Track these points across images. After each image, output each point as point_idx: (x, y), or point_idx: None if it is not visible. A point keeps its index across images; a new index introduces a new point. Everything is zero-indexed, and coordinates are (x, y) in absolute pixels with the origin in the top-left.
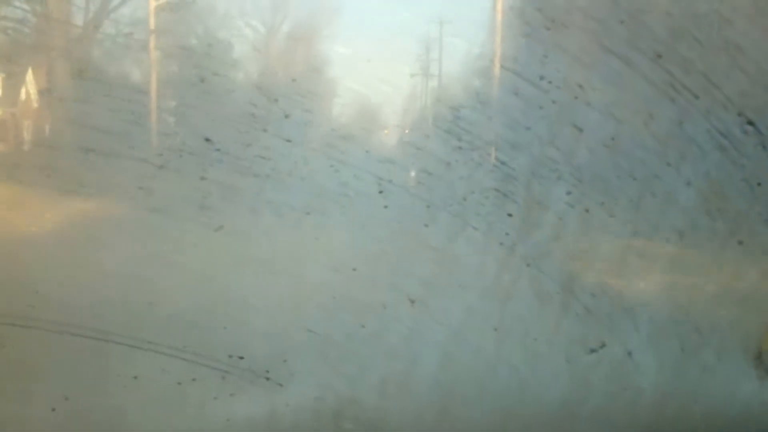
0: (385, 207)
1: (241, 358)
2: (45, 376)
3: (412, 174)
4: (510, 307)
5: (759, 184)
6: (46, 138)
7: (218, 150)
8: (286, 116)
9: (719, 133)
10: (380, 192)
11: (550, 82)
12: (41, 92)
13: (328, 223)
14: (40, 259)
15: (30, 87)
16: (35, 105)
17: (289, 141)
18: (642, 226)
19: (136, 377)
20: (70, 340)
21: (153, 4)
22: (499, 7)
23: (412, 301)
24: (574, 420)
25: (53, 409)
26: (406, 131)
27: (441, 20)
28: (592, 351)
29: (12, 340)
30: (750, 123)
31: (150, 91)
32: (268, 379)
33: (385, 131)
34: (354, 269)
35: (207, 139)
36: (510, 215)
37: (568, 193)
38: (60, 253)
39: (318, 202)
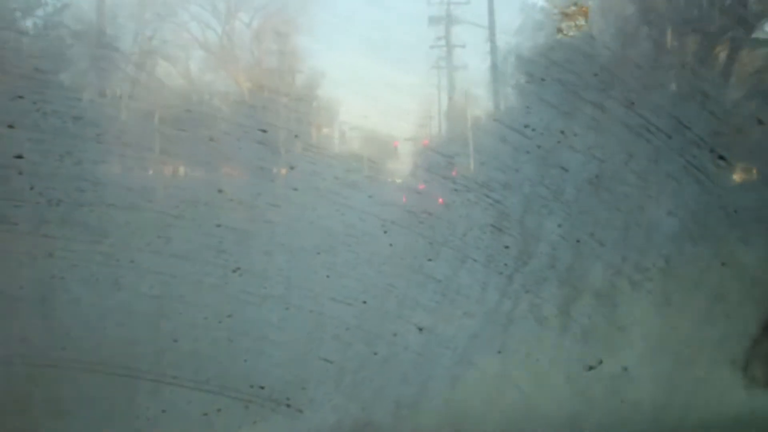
0: (390, 245)
1: (262, 388)
2: (78, 412)
3: (414, 215)
4: (512, 331)
5: (735, 211)
6: (69, 195)
7: (231, 200)
8: (292, 168)
9: (695, 168)
10: (385, 232)
11: (533, 130)
12: (61, 156)
13: (338, 261)
14: (71, 304)
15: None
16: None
17: (296, 190)
18: (630, 252)
19: (164, 410)
20: (100, 378)
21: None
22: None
23: (420, 329)
24: None
25: None
26: (405, 178)
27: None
28: (591, 368)
29: (46, 380)
30: (721, 158)
31: (164, 150)
32: (288, 406)
33: (388, 178)
34: (364, 302)
35: (220, 191)
36: (507, 247)
37: (559, 225)
38: (88, 297)
39: (327, 243)
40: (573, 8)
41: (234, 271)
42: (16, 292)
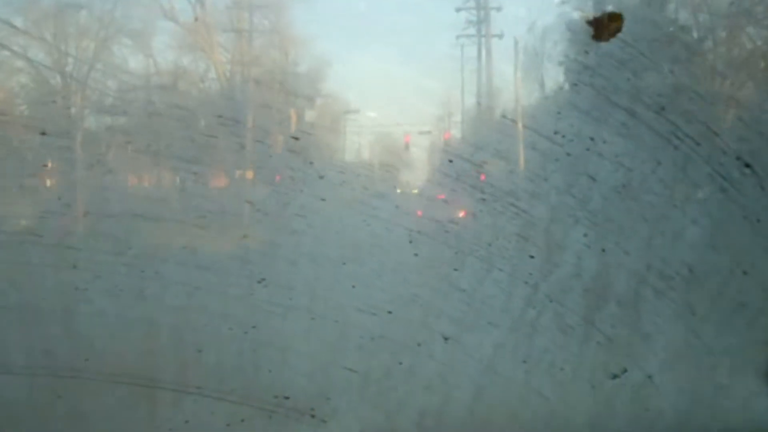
0: (416, 255)
1: (287, 398)
2: (101, 423)
3: (440, 225)
4: (536, 340)
5: (758, 221)
6: (96, 206)
7: (258, 210)
8: (321, 177)
9: (720, 176)
10: (410, 242)
11: (563, 137)
12: (92, 165)
13: (363, 271)
14: (95, 316)
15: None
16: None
17: (323, 200)
18: (654, 261)
19: (187, 421)
20: (123, 389)
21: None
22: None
23: (446, 339)
24: None
25: None
26: (433, 187)
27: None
28: (615, 377)
29: (70, 391)
30: (747, 166)
31: (192, 160)
32: (313, 416)
33: (414, 190)
34: (389, 312)
35: (248, 201)
36: (532, 257)
37: (585, 235)
38: (112, 309)
39: (353, 253)
40: None
41: (259, 282)
42: (39, 304)
